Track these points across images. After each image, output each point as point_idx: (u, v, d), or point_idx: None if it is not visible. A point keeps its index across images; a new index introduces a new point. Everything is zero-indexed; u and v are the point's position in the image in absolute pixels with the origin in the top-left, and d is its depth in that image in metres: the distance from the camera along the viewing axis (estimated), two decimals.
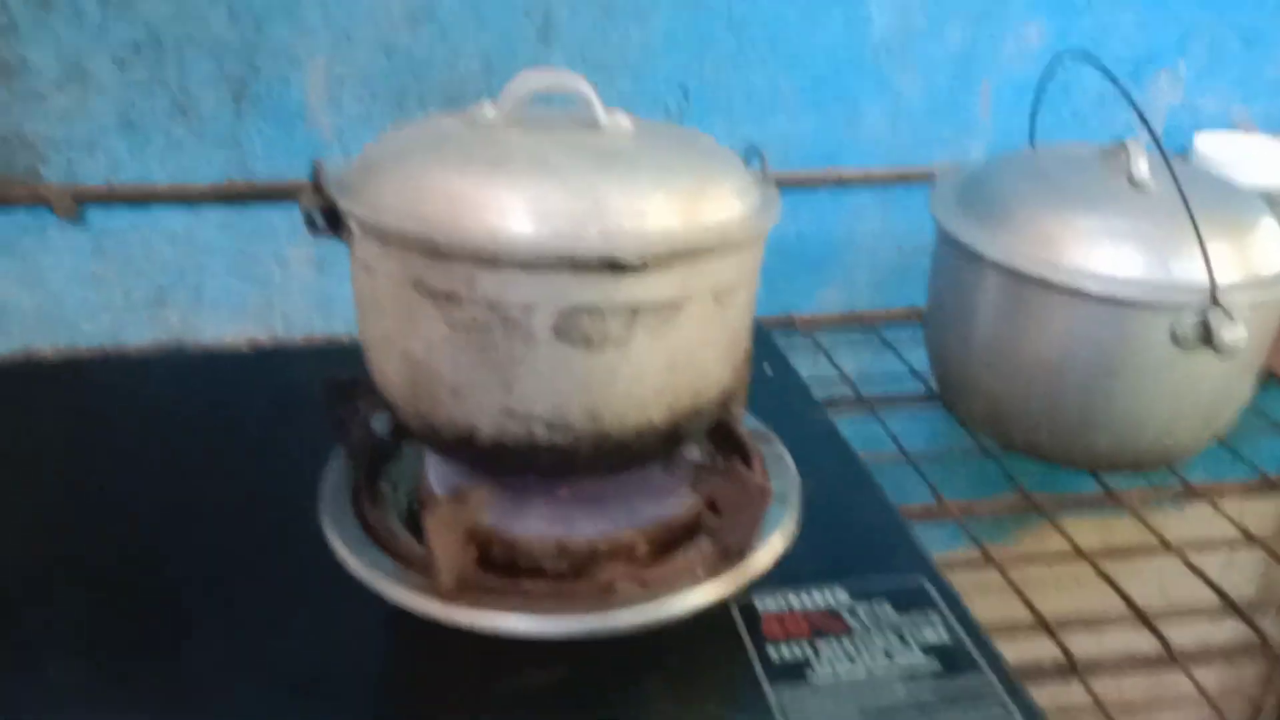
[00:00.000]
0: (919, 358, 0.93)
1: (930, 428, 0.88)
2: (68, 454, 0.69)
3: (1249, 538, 0.76)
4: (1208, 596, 0.69)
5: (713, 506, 0.57)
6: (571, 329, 0.48)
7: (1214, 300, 0.66)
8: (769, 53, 0.91)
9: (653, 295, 0.48)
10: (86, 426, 0.73)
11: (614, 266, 0.46)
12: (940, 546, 0.62)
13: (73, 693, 0.49)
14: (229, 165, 0.87)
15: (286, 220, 0.90)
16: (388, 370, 0.54)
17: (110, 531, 0.61)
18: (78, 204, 0.86)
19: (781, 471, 0.62)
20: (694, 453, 0.62)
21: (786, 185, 0.71)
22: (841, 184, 0.98)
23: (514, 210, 0.46)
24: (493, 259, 0.46)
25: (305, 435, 0.66)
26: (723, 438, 0.65)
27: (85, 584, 0.56)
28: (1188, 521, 0.78)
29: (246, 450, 0.70)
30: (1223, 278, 0.66)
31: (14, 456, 0.65)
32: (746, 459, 0.62)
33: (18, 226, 0.86)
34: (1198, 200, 0.66)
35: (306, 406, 0.70)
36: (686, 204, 0.49)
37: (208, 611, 0.55)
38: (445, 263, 0.47)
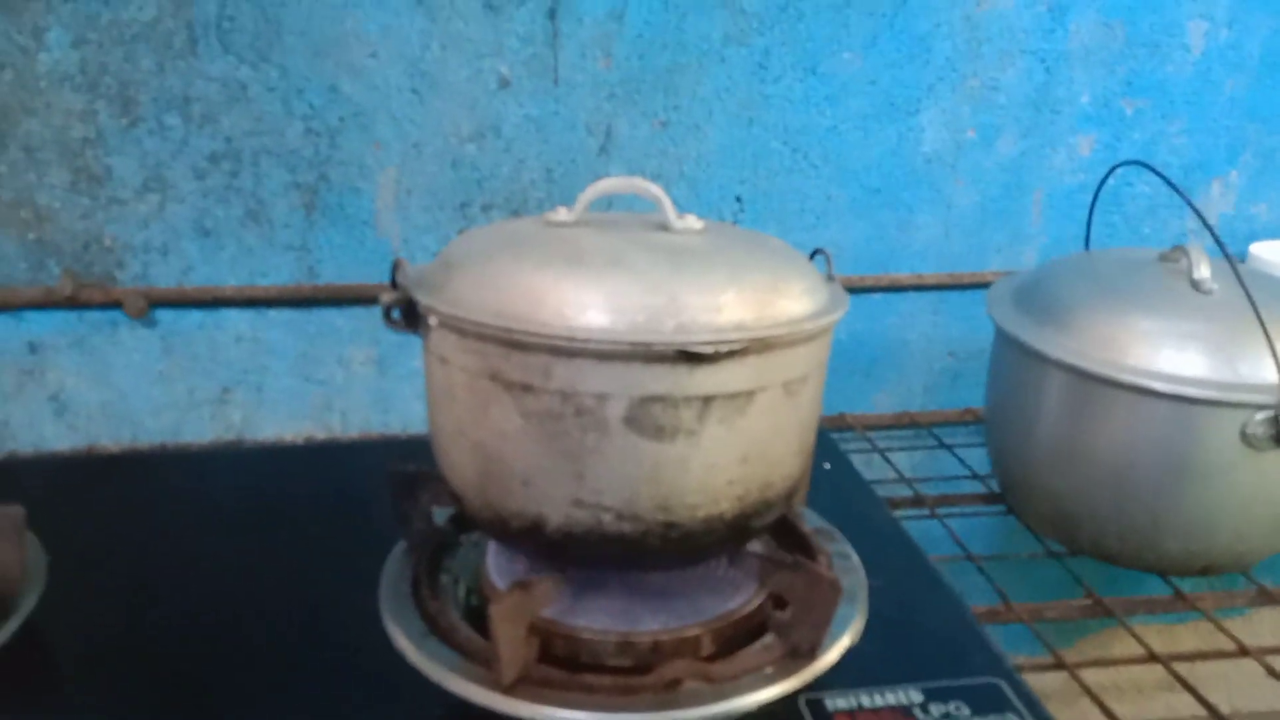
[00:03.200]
0: (975, 459, 0.92)
1: (991, 529, 0.87)
2: (129, 546, 0.69)
3: None
4: None
5: (779, 603, 0.57)
6: (644, 418, 0.48)
7: None
8: (822, 164, 0.94)
9: (725, 386, 0.49)
10: (147, 519, 0.74)
11: (688, 357, 0.47)
12: (1005, 650, 0.60)
13: None
14: (297, 270, 0.90)
15: (350, 322, 0.92)
16: (458, 460, 0.54)
17: (170, 623, 0.61)
18: (149, 305, 0.88)
19: (848, 569, 0.61)
20: (757, 548, 0.61)
21: None
22: (894, 289, 0.99)
23: (591, 303, 0.47)
24: (569, 349, 0.47)
25: (363, 528, 0.67)
26: (785, 534, 0.65)
27: (144, 677, 0.56)
28: (1260, 625, 0.76)
29: (305, 542, 0.70)
30: None
31: (75, 548, 0.65)
32: (811, 556, 0.62)
33: (89, 325, 0.89)
34: (1263, 301, 0.66)
35: (364, 500, 0.71)
36: (758, 298, 0.50)
37: (269, 704, 0.54)
38: (522, 353, 0.48)
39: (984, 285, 0.86)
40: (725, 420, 0.49)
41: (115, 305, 0.88)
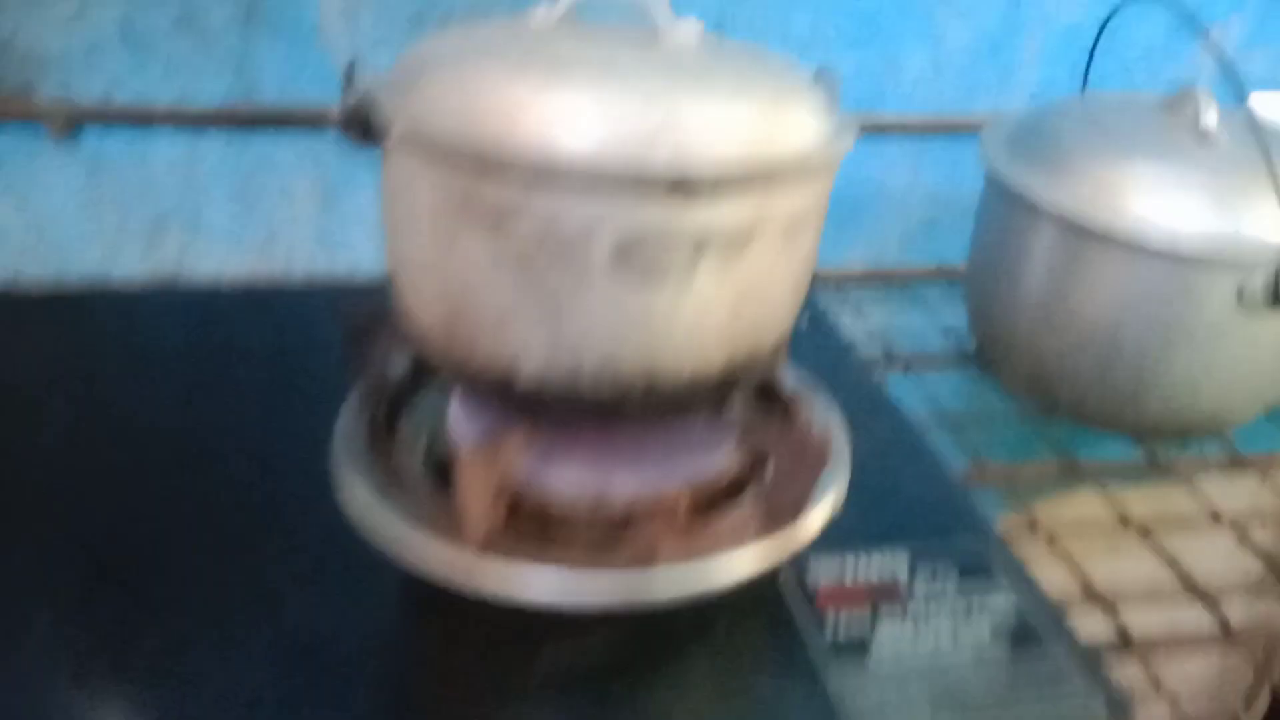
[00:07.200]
0: (950, 317, 0.89)
1: (963, 389, 0.85)
2: (57, 389, 0.64)
3: None
4: (1254, 568, 0.66)
5: (760, 464, 0.54)
6: (631, 258, 0.44)
7: None
8: None
9: (722, 224, 0.44)
10: (79, 361, 0.68)
11: (684, 189, 0.42)
12: None
13: (63, 647, 0.45)
14: (235, 88, 0.82)
15: (293, 149, 0.85)
16: (421, 301, 0.50)
17: (101, 475, 0.56)
18: (73, 123, 0.80)
19: (830, 430, 0.58)
20: (739, 407, 0.58)
21: None
22: (878, 130, 0.93)
23: (576, 122, 0.42)
24: (549, 176, 0.42)
25: (311, 376, 0.63)
26: (767, 393, 0.61)
27: (74, 531, 0.52)
28: (1230, 491, 0.75)
29: (247, 391, 0.65)
30: None
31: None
32: (793, 416, 0.58)
33: (7, 144, 0.81)
34: (1274, 153, 0.63)
35: (310, 347, 0.67)
36: (765, 123, 0.44)
37: (209, 563, 0.50)
38: (495, 179, 0.43)
39: (971, 129, 0.81)
40: (719, 263, 0.45)
41: (35, 120, 0.80)
